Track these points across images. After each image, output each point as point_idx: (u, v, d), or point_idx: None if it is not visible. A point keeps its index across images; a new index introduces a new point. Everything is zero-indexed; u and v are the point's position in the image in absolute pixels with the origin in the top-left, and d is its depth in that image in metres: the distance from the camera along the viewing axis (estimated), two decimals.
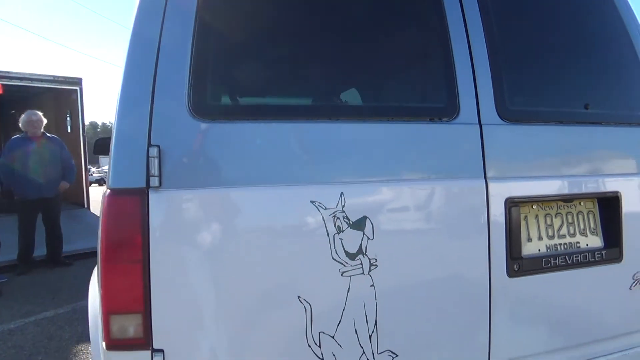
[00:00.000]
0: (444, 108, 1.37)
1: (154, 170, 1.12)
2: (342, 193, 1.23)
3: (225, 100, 1.27)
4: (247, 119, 1.21)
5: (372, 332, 1.26)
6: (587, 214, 1.57)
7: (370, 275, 1.25)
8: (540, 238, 1.49)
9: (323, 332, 1.22)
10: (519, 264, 1.41)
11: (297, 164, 1.22)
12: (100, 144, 4.11)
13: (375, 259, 1.26)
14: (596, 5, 1.68)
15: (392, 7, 1.37)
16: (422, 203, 1.33)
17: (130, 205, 1.13)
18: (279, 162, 1.21)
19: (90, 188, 9.11)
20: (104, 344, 1.15)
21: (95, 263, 5.01)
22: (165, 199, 1.13)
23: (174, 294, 1.13)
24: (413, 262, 1.30)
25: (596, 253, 1.53)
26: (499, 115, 1.41)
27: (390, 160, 1.30)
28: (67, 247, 6.13)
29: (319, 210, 1.22)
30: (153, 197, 1.13)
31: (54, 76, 8.28)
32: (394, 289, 1.28)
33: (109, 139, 4.09)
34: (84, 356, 3.19)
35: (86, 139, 8.71)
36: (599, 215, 1.59)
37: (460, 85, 1.37)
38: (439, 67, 1.38)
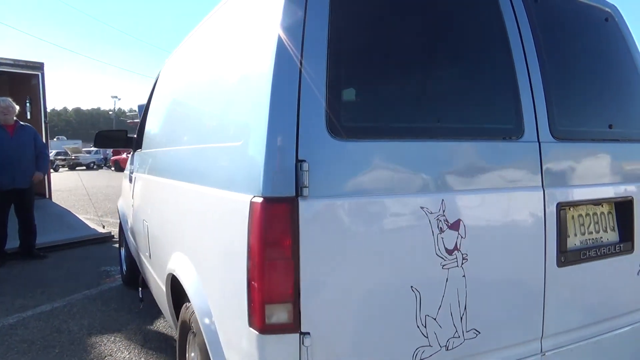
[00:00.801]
0: (513, 129, 1.66)
1: (305, 181, 1.32)
2: (442, 200, 1.49)
3: (357, 121, 1.48)
4: (373, 138, 1.43)
5: (463, 314, 1.53)
6: (607, 214, 1.92)
7: (462, 268, 1.52)
8: (575, 234, 1.82)
9: (428, 315, 1.47)
10: (565, 256, 1.73)
11: (412, 176, 1.46)
12: (103, 136, 4.12)
13: (467, 254, 1.52)
14: (613, 35, 2.04)
15: (479, 47, 1.65)
16: (498, 208, 1.61)
17: (284, 211, 1.32)
18: (399, 175, 1.44)
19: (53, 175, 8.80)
20: (253, 329, 1.34)
21: (69, 256, 5.05)
22: (312, 206, 1.33)
23: (318, 285, 1.34)
24: (491, 256, 1.58)
25: (615, 246, 1.89)
26: (551, 134, 1.72)
27: (475, 172, 1.57)
28: (38, 239, 5.98)
29: (427, 215, 1.47)
30: (302, 204, 1.33)
31: (14, 60, 7.90)
32: (477, 278, 1.55)
33: (113, 131, 4.09)
34: (101, 348, 3.27)
35: (48, 126, 8.39)
36: (615, 215, 1.94)
37: (524, 110, 1.67)
38: (509, 95, 1.66)
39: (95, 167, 31.17)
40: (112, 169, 28.80)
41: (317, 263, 1.34)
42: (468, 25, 1.66)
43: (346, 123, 1.41)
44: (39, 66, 8.23)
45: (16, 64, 7.91)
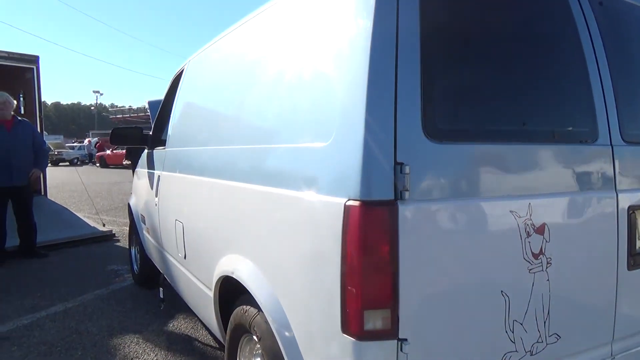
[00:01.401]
0: (589, 132, 1.65)
1: (406, 184, 1.29)
2: (529, 204, 1.48)
3: (452, 124, 1.45)
4: (467, 141, 1.41)
5: (546, 318, 1.52)
6: None
7: (547, 272, 1.51)
8: (639, 237, 1.83)
9: (515, 320, 1.46)
10: (634, 259, 1.74)
11: (503, 179, 1.45)
12: (119, 135, 4.03)
13: (550, 258, 1.52)
14: None
15: (556, 51, 1.65)
16: (576, 212, 1.61)
17: (384, 215, 1.29)
18: (491, 178, 1.43)
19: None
20: (348, 336, 1.31)
21: (72, 255, 4.93)
22: (411, 210, 1.31)
23: (415, 290, 1.32)
24: (571, 260, 1.58)
25: None
26: (622, 138, 1.72)
27: (557, 176, 1.56)
28: (38, 238, 5.83)
29: (516, 219, 1.45)
30: (402, 208, 1.30)
31: (8, 52, 7.69)
32: (559, 282, 1.55)
33: (128, 129, 3.98)
34: (126, 350, 3.19)
35: (43, 121, 8.20)
36: None
37: (597, 114, 1.67)
38: (585, 98, 1.66)
39: (79, 163, 30.59)
40: (97, 165, 28.33)
41: (415, 268, 1.32)
42: (548, 29, 1.65)
43: (442, 125, 1.38)
44: (34, 59, 8.02)
45: (10, 56, 7.70)
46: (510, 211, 1.45)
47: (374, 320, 1.30)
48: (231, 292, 2.16)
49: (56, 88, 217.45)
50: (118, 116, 67.35)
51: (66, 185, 14.71)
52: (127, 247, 6.28)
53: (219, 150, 2.22)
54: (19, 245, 5.70)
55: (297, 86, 1.70)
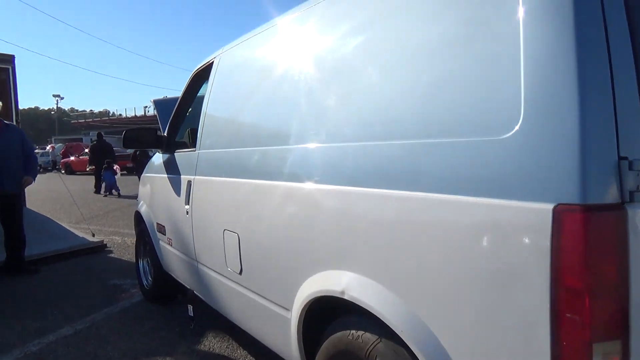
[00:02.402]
0: None
1: (638, 185, 1.04)
2: None
3: None
4: None
5: None
6: None
7: None
8: None
9: None
10: None
11: None
12: (131, 138, 3.66)
13: None
14: None
15: None
16: None
17: (612, 223, 1.04)
18: None
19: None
20: None
21: (64, 269, 4.52)
22: None
23: None
24: None
25: None
26: None
27: None
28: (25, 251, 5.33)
29: None
30: (631, 213, 1.05)
31: None
32: None
33: (142, 131, 3.58)
34: None
35: (20, 126, 7.58)
36: None
37: None
38: None
39: (41, 170, 29.17)
40: (63, 172, 27.08)
41: None
42: None
43: None
44: (9, 59, 7.43)
45: None
46: None
47: (604, 355, 1.04)
48: (319, 315, 1.87)
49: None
50: (80, 121, 64.96)
51: (36, 193, 13.89)
52: (122, 258, 5.88)
53: (311, 149, 1.89)
54: (5, 260, 5.19)
55: (445, 65, 1.41)
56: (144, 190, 4.26)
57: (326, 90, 1.91)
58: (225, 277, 2.59)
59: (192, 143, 3.60)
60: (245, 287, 2.37)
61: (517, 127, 1.16)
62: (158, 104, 4.55)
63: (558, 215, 1.06)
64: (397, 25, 1.60)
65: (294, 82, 2.13)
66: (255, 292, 2.28)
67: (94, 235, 6.66)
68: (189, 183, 3.02)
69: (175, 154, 3.50)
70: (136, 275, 4.48)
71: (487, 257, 1.20)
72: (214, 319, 3.39)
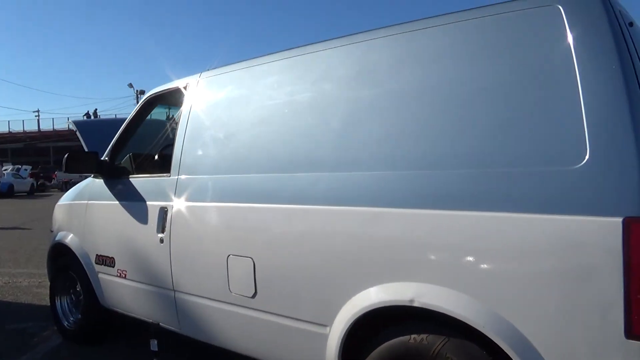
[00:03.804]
0: None
1: None
2: None
3: None
4: None
5: None
6: None
7: None
8: None
9: None
10: None
11: None
12: (74, 159, 3.38)
13: None
14: None
15: None
16: None
17: None
18: None
19: None
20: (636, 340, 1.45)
21: None
22: None
23: None
24: None
25: None
26: None
27: None
28: None
29: None
30: None
31: None
32: None
33: (85, 154, 3.40)
34: None
35: None
36: None
37: None
38: None
39: None
40: None
41: None
42: None
43: None
44: None
45: None
46: None
47: None
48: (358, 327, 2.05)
49: None
50: None
51: None
52: (3, 299, 5.10)
53: (360, 175, 2.07)
54: None
55: (508, 105, 1.78)
56: (69, 219, 3.88)
57: (399, 116, 2.08)
58: (225, 302, 2.58)
59: (140, 168, 3.46)
60: (260, 310, 2.42)
61: (586, 158, 1.57)
62: (80, 125, 4.18)
63: (627, 225, 1.48)
64: (477, 70, 1.91)
65: (313, 111, 2.34)
66: (276, 314, 2.35)
67: None
68: (163, 210, 2.93)
69: (130, 179, 3.32)
70: (51, 315, 4.01)
71: (567, 259, 1.58)
72: (181, 354, 3.24)
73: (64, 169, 3.39)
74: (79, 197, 3.81)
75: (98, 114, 47.89)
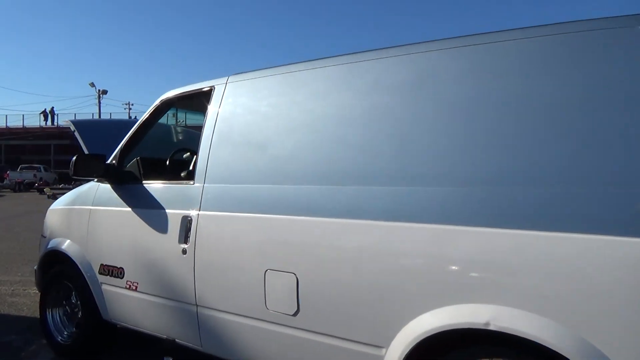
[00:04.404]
0: None
1: None
2: None
3: None
4: None
5: None
6: None
7: None
8: None
9: None
10: None
11: None
12: (84, 161, 3.16)
13: None
14: None
15: None
16: None
17: None
18: None
19: None
20: None
21: None
22: None
23: None
24: None
25: None
26: None
27: None
28: None
29: None
30: None
31: None
32: None
33: (92, 157, 3.20)
34: None
35: None
36: None
37: None
38: None
39: None
40: None
41: None
42: None
43: None
44: None
45: None
46: None
47: None
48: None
49: None
50: None
51: None
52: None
53: (430, 191, 1.99)
54: None
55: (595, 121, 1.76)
56: (67, 225, 3.62)
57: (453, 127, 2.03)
58: (260, 320, 2.44)
59: (151, 174, 3.28)
60: (303, 329, 2.29)
61: None
62: (78, 124, 3.92)
63: None
64: (560, 84, 1.87)
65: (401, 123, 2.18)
66: (322, 334, 2.23)
67: None
68: (186, 219, 2.76)
69: (145, 185, 3.13)
70: (40, 329, 3.72)
71: None
72: None
73: (72, 172, 3.15)
74: (80, 201, 3.55)
75: (55, 112, 46.08)
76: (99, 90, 42.71)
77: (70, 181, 31.89)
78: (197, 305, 2.72)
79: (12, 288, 5.58)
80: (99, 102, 42.55)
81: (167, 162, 3.46)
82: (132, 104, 50.19)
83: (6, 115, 50.01)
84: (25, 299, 5.11)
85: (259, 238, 2.49)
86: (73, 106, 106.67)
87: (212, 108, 2.91)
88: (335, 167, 2.30)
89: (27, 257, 7.32)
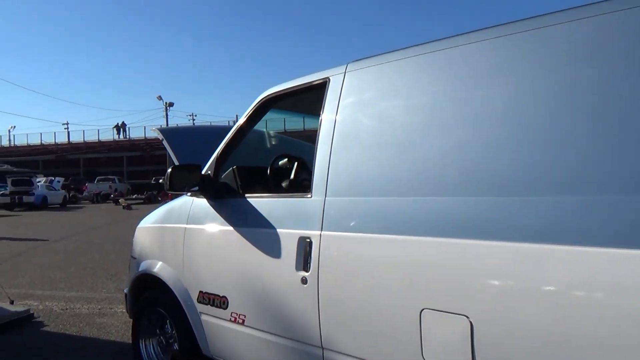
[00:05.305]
0: None
1: None
2: None
3: None
4: None
5: None
6: None
7: None
8: None
9: None
10: None
11: None
12: (180, 178, 2.74)
13: None
14: None
15: None
16: None
17: None
18: None
19: None
20: None
21: None
22: None
23: None
24: None
25: None
26: None
27: None
28: None
29: None
30: None
31: None
32: None
33: (190, 167, 2.71)
34: None
35: None
36: None
37: None
38: None
39: None
40: None
41: None
42: None
43: None
44: None
45: None
46: None
47: None
48: None
49: None
50: None
51: None
52: (64, 332, 4.50)
53: None
54: None
55: None
56: (159, 245, 3.24)
57: None
58: None
59: (252, 186, 2.82)
60: None
61: None
62: (167, 133, 3.58)
63: None
64: None
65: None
66: None
67: (12, 303, 5.04)
68: (304, 240, 2.25)
69: (249, 199, 2.66)
70: None
71: None
72: None
73: (167, 187, 2.75)
74: (173, 219, 3.15)
75: (127, 125, 48.39)
76: (166, 103, 44.27)
77: (143, 192, 33.23)
78: (322, 348, 2.20)
79: (99, 307, 5.38)
80: (166, 114, 44.10)
81: (268, 171, 2.99)
82: (196, 115, 51.72)
83: (83, 131, 53.01)
84: (113, 319, 4.86)
85: (411, 267, 1.91)
86: (143, 119, 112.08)
87: (329, 104, 2.38)
88: (523, 172, 1.69)
89: (110, 271, 7.23)
